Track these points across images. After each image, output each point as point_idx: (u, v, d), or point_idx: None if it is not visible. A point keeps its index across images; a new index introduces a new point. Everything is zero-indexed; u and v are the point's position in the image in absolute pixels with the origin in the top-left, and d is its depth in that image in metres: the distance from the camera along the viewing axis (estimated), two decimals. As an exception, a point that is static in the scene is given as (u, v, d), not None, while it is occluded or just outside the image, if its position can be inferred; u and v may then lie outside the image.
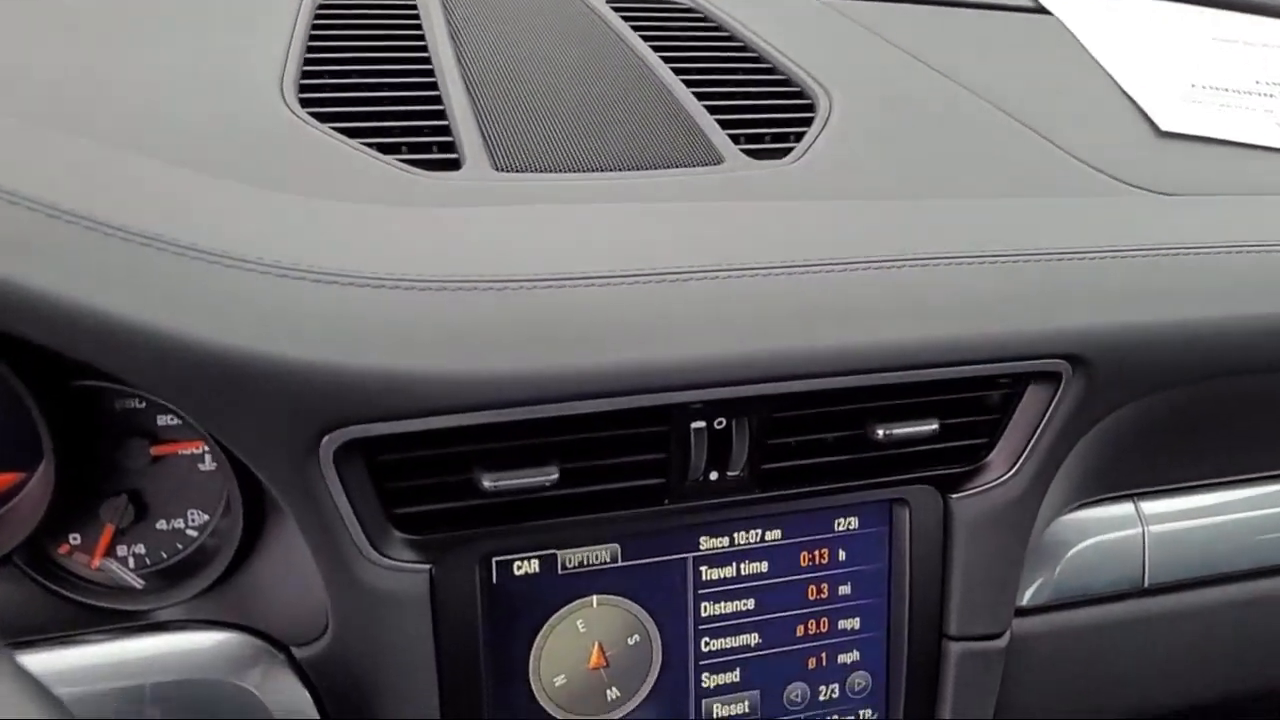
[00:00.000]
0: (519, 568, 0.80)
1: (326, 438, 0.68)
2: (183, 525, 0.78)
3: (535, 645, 0.82)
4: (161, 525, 0.78)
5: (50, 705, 0.46)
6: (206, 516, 0.78)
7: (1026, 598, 0.94)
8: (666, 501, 0.80)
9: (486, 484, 0.73)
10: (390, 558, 0.74)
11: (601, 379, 0.72)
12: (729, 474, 0.80)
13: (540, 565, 0.81)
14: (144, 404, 0.76)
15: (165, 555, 0.78)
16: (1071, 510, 0.96)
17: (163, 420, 0.77)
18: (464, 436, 0.73)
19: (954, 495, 0.88)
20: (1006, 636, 0.92)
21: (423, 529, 0.75)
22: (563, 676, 0.83)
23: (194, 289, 0.65)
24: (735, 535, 0.85)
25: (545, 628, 0.82)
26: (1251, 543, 1.01)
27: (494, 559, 0.79)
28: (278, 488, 0.71)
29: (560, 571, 0.82)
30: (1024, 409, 0.85)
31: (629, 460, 0.78)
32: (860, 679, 0.91)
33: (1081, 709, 1.01)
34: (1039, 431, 0.85)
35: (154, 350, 0.63)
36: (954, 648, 0.90)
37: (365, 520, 0.73)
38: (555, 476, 0.74)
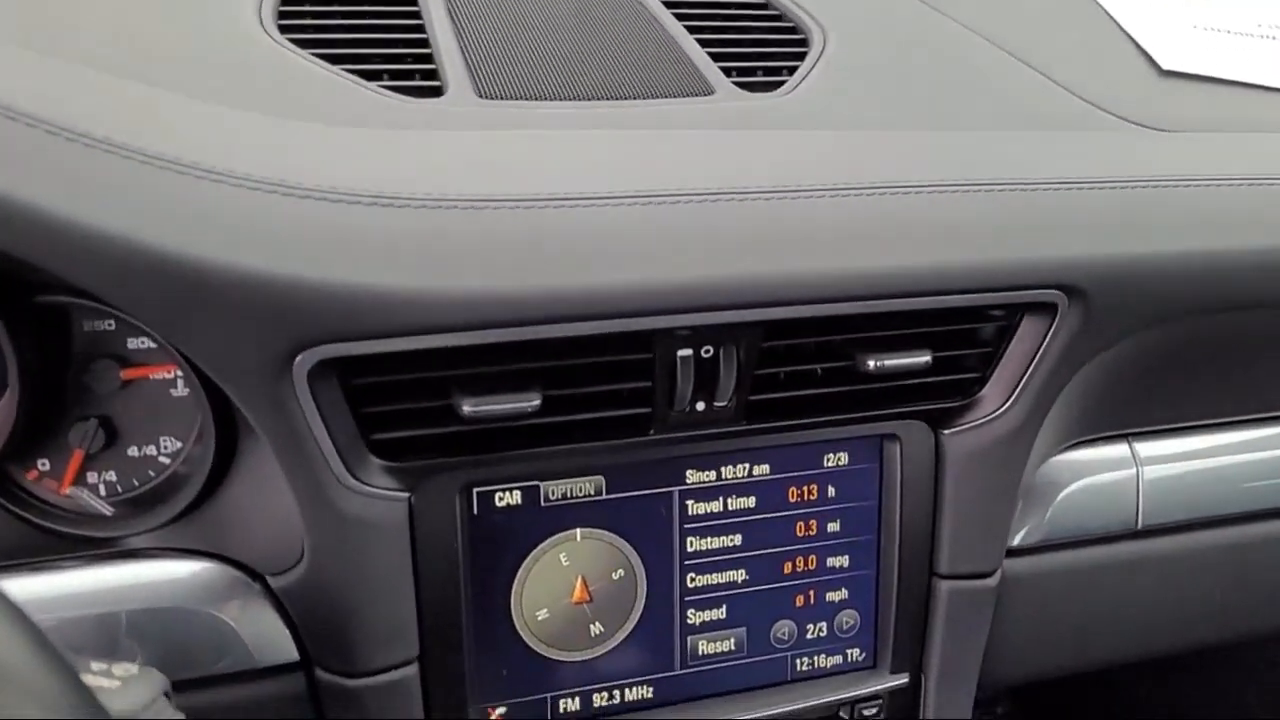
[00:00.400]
0: (500, 499, 0.79)
1: (299, 357, 0.66)
2: (155, 452, 0.76)
3: (517, 578, 0.80)
4: (133, 452, 0.76)
5: (31, 631, 0.45)
6: (179, 444, 0.76)
7: (1018, 538, 0.93)
8: (652, 432, 0.78)
9: (466, 409, 0.71)
10: (367, 484, 0.72)
11: (583, 301, 0.70)
12: (716, 405, 0.78)
13: (523, 497, 0.79)
14: (113, 326, 0.74)
15: (137, 483, 0.76)
16: (1065, 450, 0.95)
17: (133, 343, 0.74)
18: (442, 360, 0.71)
19: (946, 431, 0.86)
20: (997, 576, 0.91)
21: (401, 456, 0.73)
22: (545, 611, 0.82)
23: (160, 198, 0.63)
24: (722, 469, 0.83)
25: (528, 560, 0.80)
26: (1246, 486, 0.99)
27: (475, 489, 0.77)
28: (251, 410, 0.69)
29: (543, 504, 0.80)
30: (1018, 342, 0.83)
31: (613, 388, 0.76)
32: (849, 617, 0.90)
33: (1072, 652, 1.00)
34: (1033, 365, 0.83)
35: (118, 258, 0.61)
36: (944, 586, 0.89)
37: (341, 445, 0.71)
38: (537, 403, 0.72)
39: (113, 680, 0.54)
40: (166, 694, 0.55)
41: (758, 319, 0.74)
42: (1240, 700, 1.69)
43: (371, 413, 0.71)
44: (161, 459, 0.76)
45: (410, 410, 0.72)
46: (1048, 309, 0.81)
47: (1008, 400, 0.85)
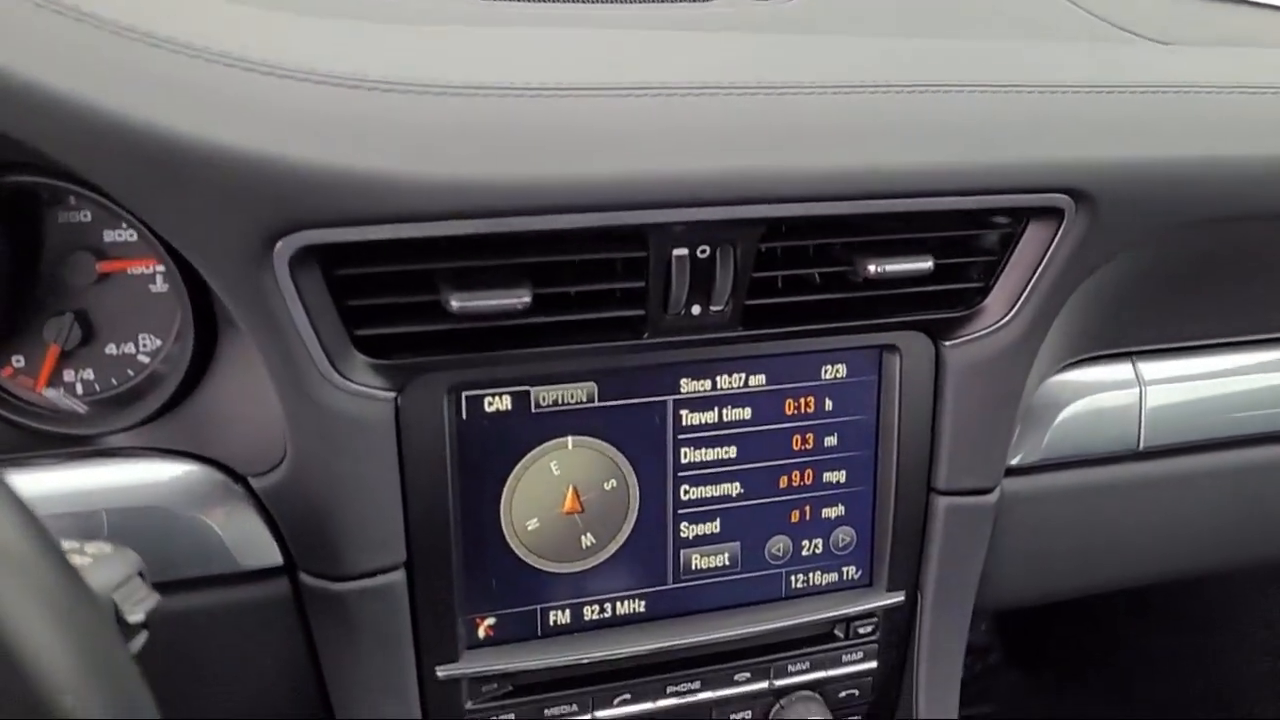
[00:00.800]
0: (490, 403, 0.77)
1: (280, 243, 0.64)
2: (133, 350, 0.74)
3: (507, 486, 0.78)
4: (111, 350, 0.74)
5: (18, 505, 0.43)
6: (159, 342, 0.74)
7: (1017, 458, 0.91)
8: (646, 336, 0.76)
9: (455, 305, 0.69)
10: (353, 382, 0.70)
11: (574, 191, 0.67)
12: (712, 309, 0.76)
13: (513, 402, 0.77)
14: (89, 218, 0.71)
15: (115, 382, 0.74)
16: (1067, 369, 0.93)
17: (110, 236, 0.72)
18: (429, 252, 0.68)
19: (946, 343, 0.84)
20: (996, 494, 0.89)
21: (387, 353, 0.71)
22: (535, 520, 0.80)
23: (135, 70, 0.60)
24: (717, 379, 0.81)
25: (517, 468, 0.78)
26: (1250, 409, 0.98)
27: (464, 392, 0.75)
28: (232, 300, 0.67)
29: (534, 409, 0.78)
30: (1023, 250, 0.81)
31: (606, 288, 0.74)
32: (845, 534, 0.88)
33: (1070, 576, 0.99)
34: (1037, 275, 0.81)
35: (84, 125, 0.58)
36: (942, 503, 0.87)
37: (325, 339, 0.68)
38: (527, 300, 0.70)
39: (84, 558, 0.52)
40: (141, 574, 0.54)
41: (755, 216, 0.72)
42: (1230, 660, 1.69)
43: (356, 307, 0.69)
44: (140, 358, 0.74)
45: (397, 305, 0.70)
46: (1053, 215, 0.79)
47: (1010, 311, 0.82)
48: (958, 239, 0.81)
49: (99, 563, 0.52)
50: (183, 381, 0.72)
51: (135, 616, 0.51)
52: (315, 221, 0.63)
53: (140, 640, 0.53)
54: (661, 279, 0.74)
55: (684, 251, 0.73)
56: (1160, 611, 1.80)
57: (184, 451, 0.74)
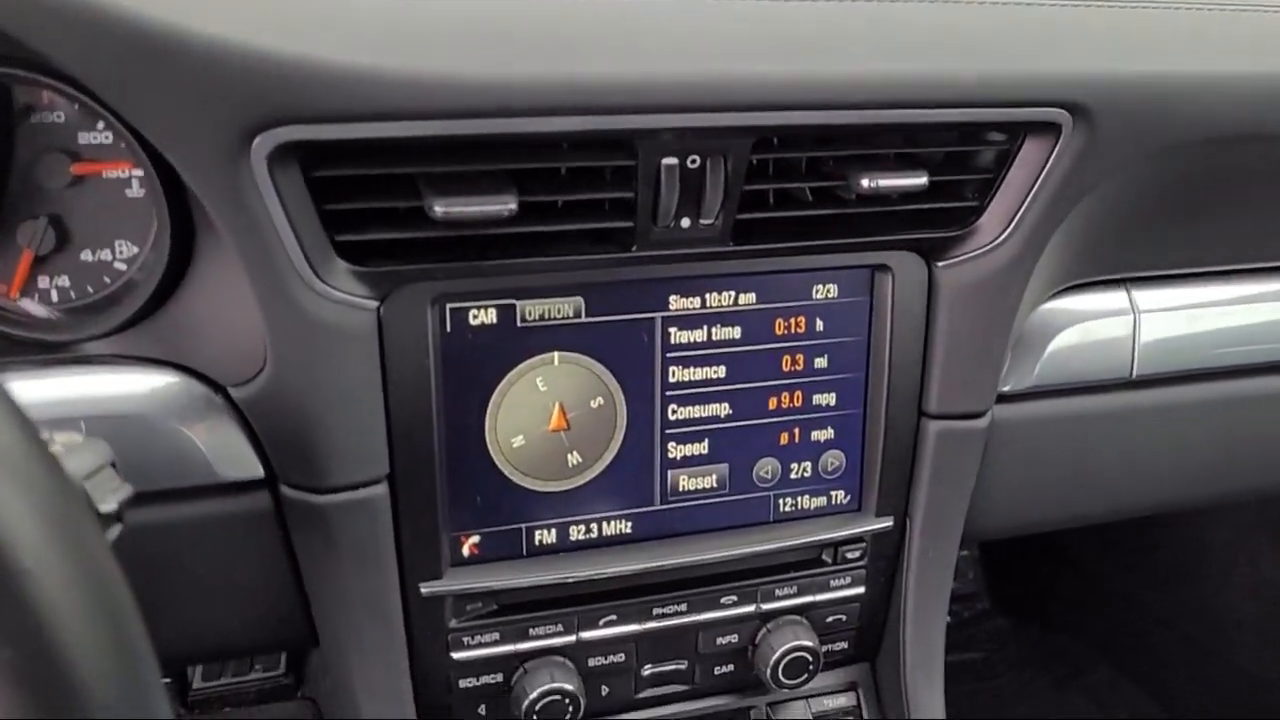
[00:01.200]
0: (475, 316, 0.75)
1: (257, 139, 0.62)
2: (110, 258, 0.72)
3: (492, 402, 0.77)
4: (86, 256, 0.72)
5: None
6: (135, 249, 0.73)
7: (1009, 384, 0.90)
8: (635, 249, 0.74)
9: (438, 210, 0.67)
10: (334, 288, 0.69)
11: (561, 92, 0.65)
12: (702, 222, 0.75)
13: (498, 316, 0.76)
14: (62, 118, 0.69)
15: (91, 290, 0.73)
16: (1061, 295, 0.92)
17: (85, 138, 0.70)
18: (411, 155, 0.67)
19: (940, 263, 0.83)
20: (988, 419, 0.88)
21: (369, 260, 0.69)
22: (521, 438, 0.79)
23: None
24: (707, 296, 0.80)
25: (503, 384, 0.77)
26: (1244, 339, 0.97)
27: (448, 304, 0.74)
28: (209, 199, 0.65)
29: (519, 324, 0.76)
30: (1019, 168, 0.79)
31: (594, 198, 0.72)
32: (834, 458, 0.87)
33: (1059, 505, 0.99)
34: (1032, 194, 0.80)
35: (66, 16, 0.57)
36: (933, 427, 0.87)
37: (306, 244, 0.67)
38: (513, 207, 0.68)
39: (55, 446, 0.51)
40: (113, 464, 0.52)
41: (745, 124, 0.70)
42: (1215, 609, 1.69)
43: (337, 211, 0.67)
44: (117, 265, 0.73)
45: (379, 210, 0.69)
46: (1050, 131, 0.77)
47: (1005, 232, 0.81)
48: (953, 156, 0.80)
49: (70, 451, 0.50)
50: (159, 287, 0.70)
51: (107, 506, 0.50)
52: (293, 117, 0.62)
53: (115, 532, 0.52)
54: (650, 189, 0.72)
55: (674, 161, 0.71)
56: (1147, 560, 1.81)
57: (162, 360, 0.73)
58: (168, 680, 1.74)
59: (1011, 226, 0.81)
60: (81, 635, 0.42)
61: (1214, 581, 1.71)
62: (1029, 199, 0.80)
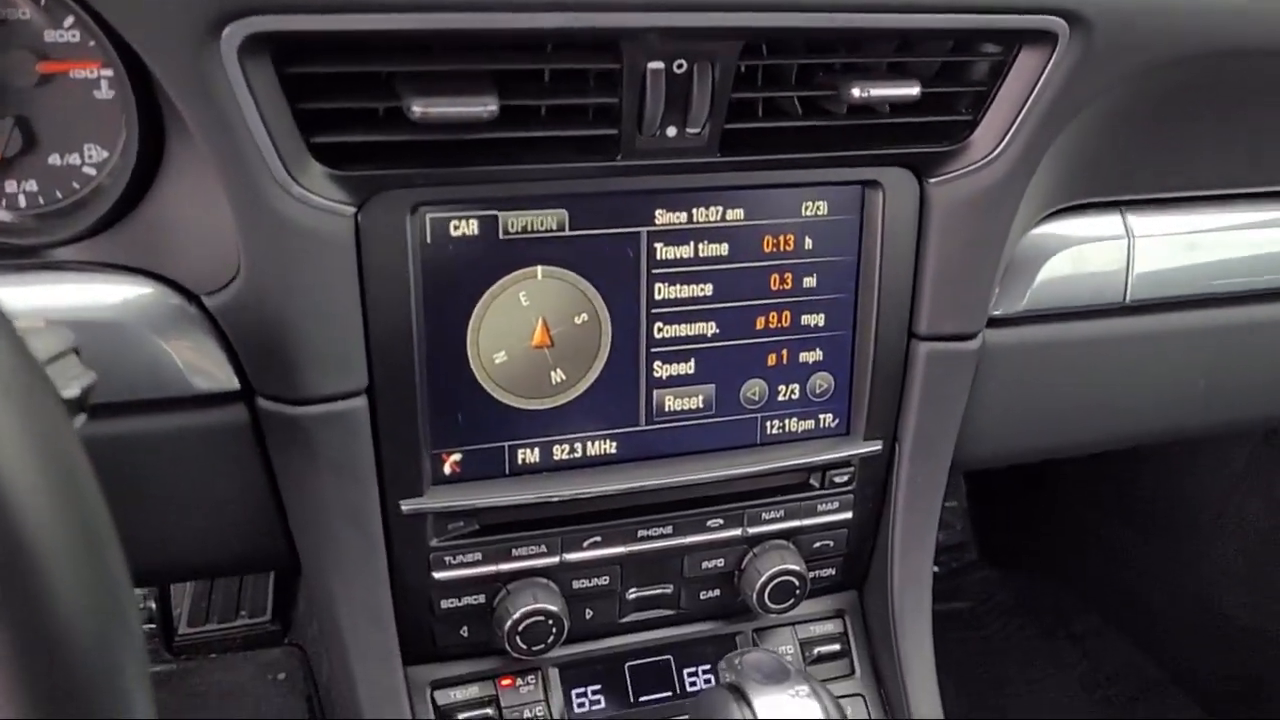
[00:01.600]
0: (456, 227, 0.73)
1: (228, 28, 0.60)
2: (79, 161, 0.70)
3: (474, 316, 0.76)
4: (54, 160, 0.70)
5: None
6: (105, 153, 0.70)
7: (1002, 308, 0.89)
8: (619, 158, 0.73)
9: (416, 111, 0.65)
10: (310, 192, 0.67)
11: None
12: (688, 131, 0.73)
13: (479, 227, 0.74)
14: (28, 15, 0.67)
15: (60, 195, 0.71)
16: (1055, 218, 0.90)
17: (52, 36, 0.68)
18: (388, 53, 0.65)
19: (931, 180, 0.81)
20: (978, 341, 0.87)
21: (346, 163, 0.67)
22: (503, 354, 0.77)
23: None
24: (693, 211, 0.78)
25: (485, 297, 0.75)
26: (1241, 265, 0.96)
27: (428, 214, 0.72)
28: (179, 95, 0.63)
29: (501, 236, 0.75)
30: (1013, 80, 0.77)
31: (577, 103, 0.70)
32: (822, 380, 0.86)
33: (1050, 432, 0.98)
34: (1028, 106, 0.78)
35: None
36: (922, 348, 0.85)
37: (280, 143, 0.65)
38: (493, 109, 0.66)
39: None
40: (76, 351, 0.51)
41: (733, 24, 0.68)
42: (1204, 559, 1.69)
43: (312, 110, 0.65)
44: (86, 169, 0.71)
45: (355, 112, 0.67)
46: (1046, 41, 0.75)
47: (998, 147, 0.79)
48: (946, 67, 0.78)
49: (31, 335, 0.49)
50: (128, 190, 0.68)
51: (70, 391, 0.49)
52: (262, 5, 0.59)
53: (80, 420, 0.50)
54: (635, 95, 0.70)
55: (659, 66, 0.69)
56: (1135, 511, 1.81)
57: (134, 268, 0.71)
58: (152, 626, 1.74)
59: (1005, 142, 0.79)
60: (43, 517, 0.40)
61: (1202, 531, 1.71)
62: (1023, 113, 0.78)
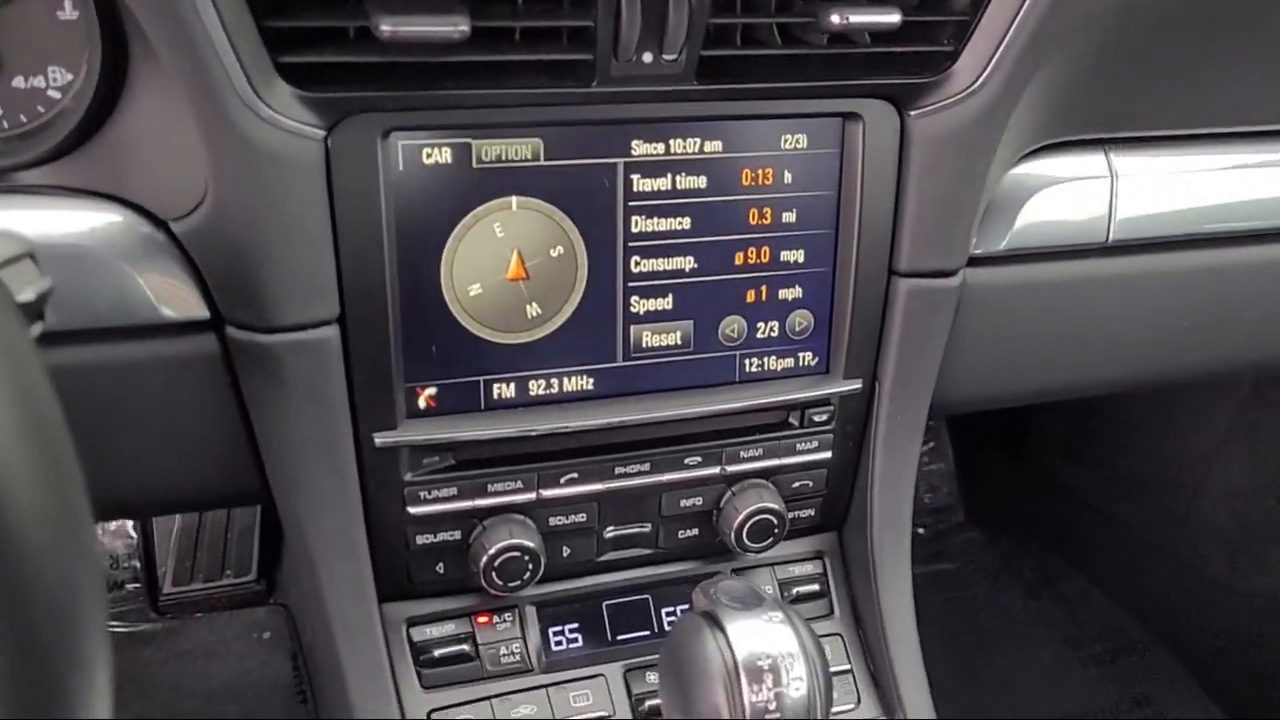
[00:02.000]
0: (429, 155, 0.72)
1: None
2: (43, 85, 0.69)
3: (447, 247, 0.75)
4: (19, 83, 0.69)
5: None
6: (70, 76, 0.69)
7: (983, 246, 0.88)
8: (595, 84, 0.71)
9: (384, 29, 0.63)
10: (277, 113, 0.66)
11: None
12: (665, 57, 0.71)
13: (453, 155, 0.73)
14: (-13, -69, 0.66)
15: (24, 119, 0.69)
16: (1039, 155, 0.89)
17: (12, -47, 0.66)
18: (356, -32, 0.64)
19: (912, 113, 0.80)
20: (959, 278, 0.86)
21: (314, 84, 0.66)
22: (478, 286, 0.76)
23: None
24: (671, 142, 0.77)
25: (459, 228, 0.74)
26: (1224, 207, 0.95)
27: (400, 141, 0.71)
28: (142, 10, 0.62)
29: (475, 164, 0.74)
30: (995, 8, 0.76)
31: (551, 25, 0.69)
32: (802, 318, 0.85)
33: (1031, 374, 0.97)
34: (1009, 36, 0.76)
35: None
36: (903, 285, 0.85)
37: (246, 62, 0.63)
38: (465, 29, 0.65)
39: (-33, 233, 0.48)
40: (31, 256, 0.50)
41: None
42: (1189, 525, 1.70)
43: (278, 29, 0.64)
44: (51, 93, 0.69)
45: (323, 31, 0.65)
46: (1029, -33, 0.74)
47: (980, 78, 0.78)
48: (928, -6, 0.77)
49: (-17, 240, 0.48)
50: (94, 110, 0.67)
51: (24, 295, 0.48)
52: None
53: (37, 329, 0.49)
54: (611, 18, 0.69)
55: (635, -13, 0.68)
56: (1120, 471, 1.81)
57: (100, 193, 0.70)
58: (136, 585, 1.74)
59: (987, 74, 0.78)
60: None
61: (1187, 492, 1.72)
62: (1005, 44, 0.77)
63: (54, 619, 0.40)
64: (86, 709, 0.41)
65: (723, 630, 0.65)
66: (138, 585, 1.72)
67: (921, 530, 2.02)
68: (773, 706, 0.63)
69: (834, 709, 0.85)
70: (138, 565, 1.73)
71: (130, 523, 1.73)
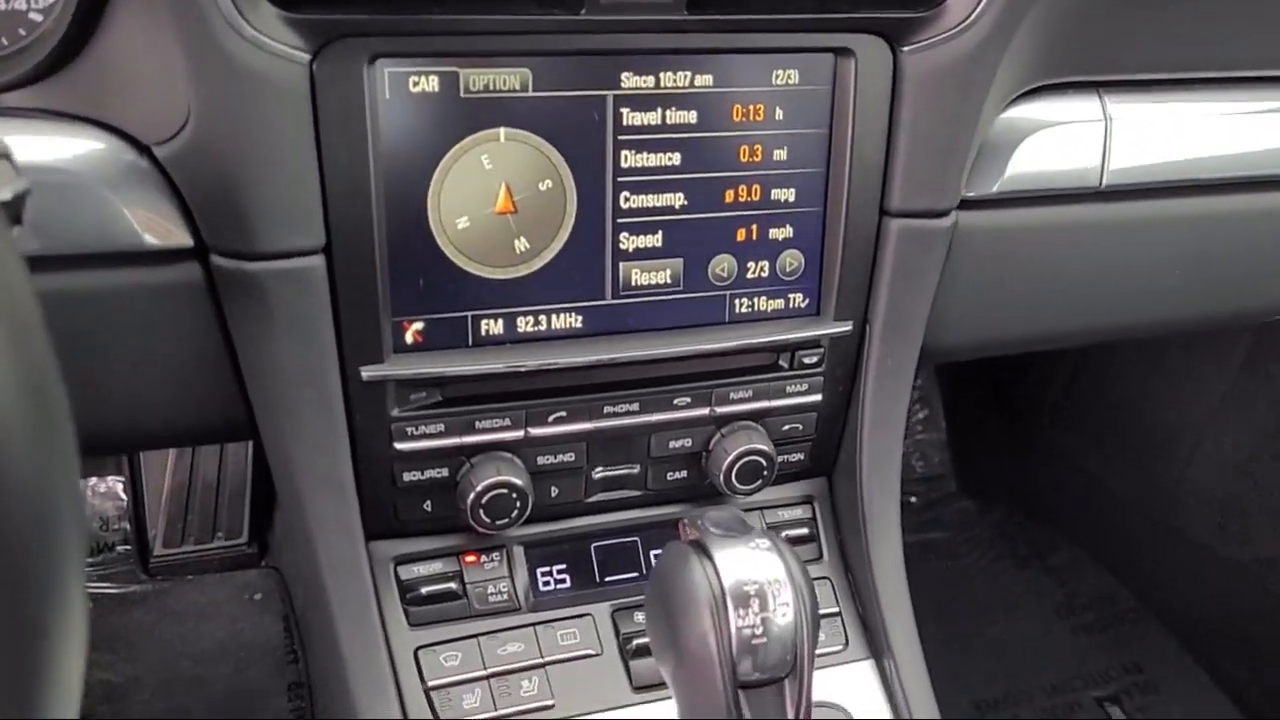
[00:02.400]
0: (415, 84, 0.72)
1: None
2: (24, 7, 0.68)
3: (434, 179, 0.74)
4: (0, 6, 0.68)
5: None
6: (51, -1, 0.68)
7: (975, 189, 0.87)
8: (584, 12, 0.71)
9: (371, -50, 0.63)
10: (261, 34, 0.65)
11: None
12: (655, -13, 0.71)
13: (440, 84, 0.72)
14: None
15: (6, 42, 0.68)
16: (1032, 98, 0.88)
17: None
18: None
19: (905, 49, 0.79)
20: (951, 219, 0.86)
21: (297, 4, 0.65)
22: (466, 219, 0.76)
23: None
24: (661, 75, 0.77)
25: (446, 159, 0.74)
26: (1220, 153, 0.94)
27: (386, 68, 0.70)
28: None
29: (463, 94, 0.73)
30: (989, -59, 0.76)
31: (539, -49, 0.68)
32: (792, 258, 0.85)
33: (1022, 320, 0.97)
34: (1003, -31, 0.76)
35: None
36: (894, 225, 0.84)
37: (229, -19, 0.63)
38: None
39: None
40: (6, 157, 0.49)
41: None
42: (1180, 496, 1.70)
43: (262, -53, 0.63)
44: (32, 15, 0.68)
45: (307, -50, 0.65)
46: (1023, -101, 0.74)
47: (972, 13, 0.78)
48: (920, -72, 0.76)
49: (-42, 136, 0.47)
50: (75, 29, 0.66)
51: (1, 195, 0.47)
52: None
53: (15, 232, 0.48)
54: None
55: (625, -90, 0.68)
56: (1112, 441, 1.81)
57: (81, 117, 0.69)
58: (127, 546, 1.73)
59: (980, 8, 0.78)
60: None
61: (1179, 462, 1.72)
62: (998, -23, 0.77)
63: (32, 537, 0.39)
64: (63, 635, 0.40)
65: (710, 557, 0.65)
66: (128, 547, 1.72)
67: (913, 499, 2.02)
68: (759, 632, 0.63)
69: (822, 650, 0.85)
70: (127, 527, 1.72)
71: (120, 485, 1.73)
